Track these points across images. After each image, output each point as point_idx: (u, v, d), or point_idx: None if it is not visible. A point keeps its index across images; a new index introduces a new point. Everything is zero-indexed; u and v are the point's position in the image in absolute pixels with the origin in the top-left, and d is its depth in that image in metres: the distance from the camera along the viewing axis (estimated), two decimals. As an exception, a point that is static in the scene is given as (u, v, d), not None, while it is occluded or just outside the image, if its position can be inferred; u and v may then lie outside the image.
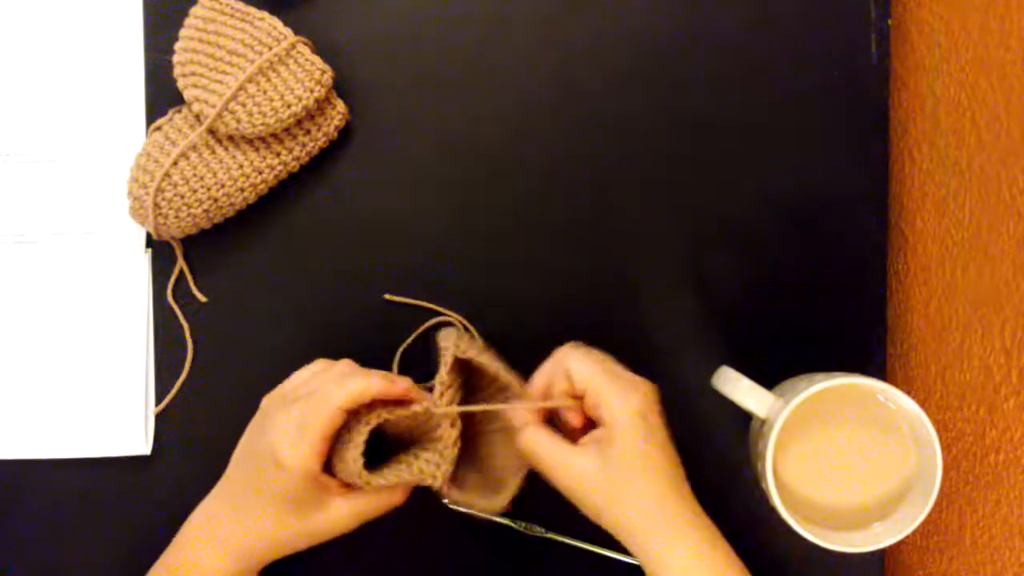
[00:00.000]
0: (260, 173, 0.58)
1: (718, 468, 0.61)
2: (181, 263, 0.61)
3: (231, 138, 0.58)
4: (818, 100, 0.62)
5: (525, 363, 0.60)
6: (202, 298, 0.61)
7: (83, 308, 0.61)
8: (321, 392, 0.50)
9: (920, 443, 0.53)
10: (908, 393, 0.52)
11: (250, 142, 0.58)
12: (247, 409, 0.61)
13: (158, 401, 0.61)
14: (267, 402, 0.54)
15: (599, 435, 0.50)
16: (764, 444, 0.53)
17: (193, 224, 0.58)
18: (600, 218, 0.62)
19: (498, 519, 0.60)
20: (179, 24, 0.58)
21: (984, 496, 0.54)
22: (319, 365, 0.55)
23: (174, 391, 0.61)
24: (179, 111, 0.59)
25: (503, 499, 0.51)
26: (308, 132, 0.59)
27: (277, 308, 0.61)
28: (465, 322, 0.61)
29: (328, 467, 0.51)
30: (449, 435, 0.50)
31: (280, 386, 0.54)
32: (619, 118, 0.62)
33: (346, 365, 0.53)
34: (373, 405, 0.51)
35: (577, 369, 0.51)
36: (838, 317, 0.62)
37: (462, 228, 0.62)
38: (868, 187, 0.62)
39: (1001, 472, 0.52)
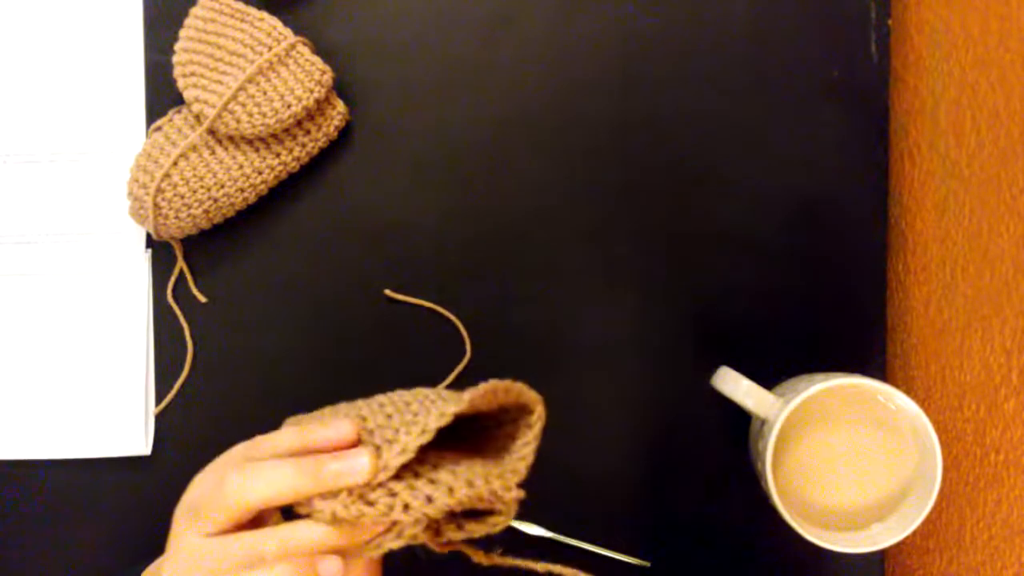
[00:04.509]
0: (260, 173, 0.58)
1: (718, 468, 0.61)
2: (181, 263, 0.61)
3: (231, 138, 0.58)
4: (818, 100, 0.62)
5: (525, 363, 0.60)
6: (202, 298, 0.61)
7: (83, 308, 0.61)
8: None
9: (920, 443, 0.53)
10: (908, 393, 0.52)
11: (250, 142, 0.58)
12: (247, 409, 0.61)
13: (158, 401, 0.61)
14: None
15: None
16: (764, 444, 0.52)
17: (193, 224, 0.58)
18: (600, 218, 0.62)
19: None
20: (179, 24, 0.58)
21: (984, 496, 0.54)
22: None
23: (174, 391, 0.61)
24: (179, 111, 0.59)
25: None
26: (308, 132, 0.59)
27: (277, 308, 0.61)
28: (461, 325, 0.61)
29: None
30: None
31: None
32: (619, 118, 0.62)
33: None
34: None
35: None
36: (838, 317, 0.61)
37: (462, 228, 0.62)
38: (868, 187, 0.62)
39: (1001, 472, 0.52)
